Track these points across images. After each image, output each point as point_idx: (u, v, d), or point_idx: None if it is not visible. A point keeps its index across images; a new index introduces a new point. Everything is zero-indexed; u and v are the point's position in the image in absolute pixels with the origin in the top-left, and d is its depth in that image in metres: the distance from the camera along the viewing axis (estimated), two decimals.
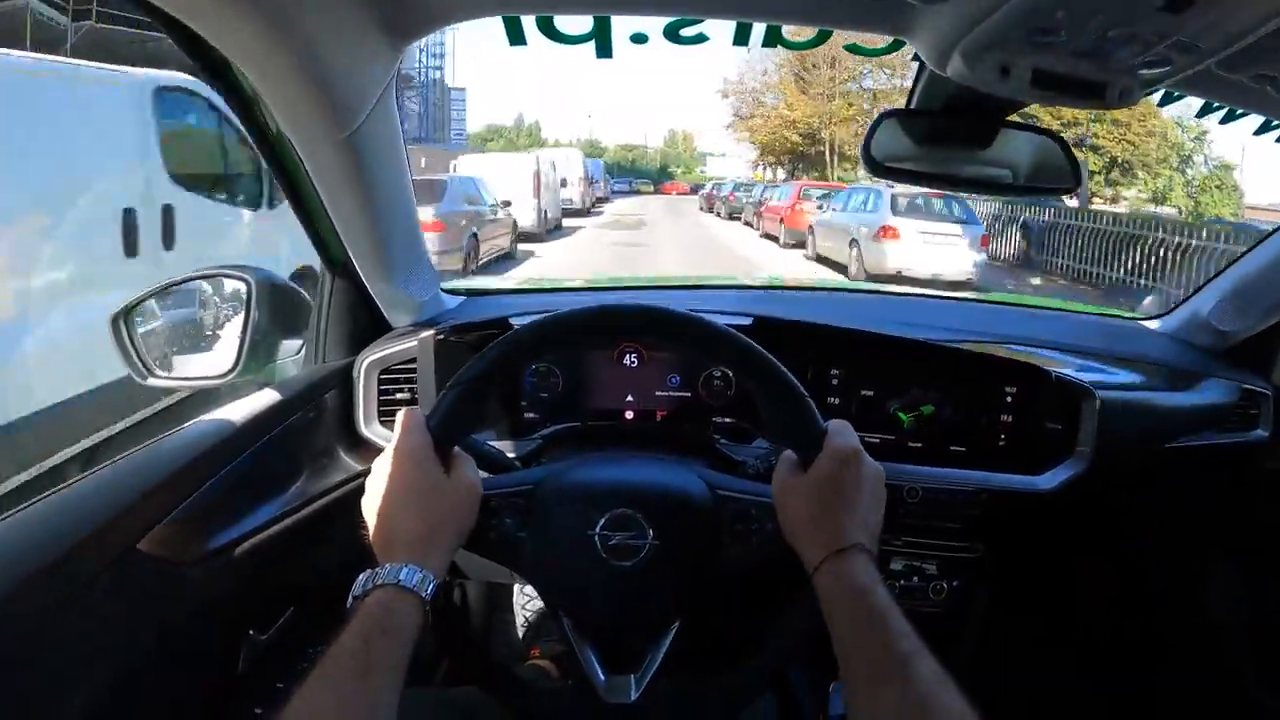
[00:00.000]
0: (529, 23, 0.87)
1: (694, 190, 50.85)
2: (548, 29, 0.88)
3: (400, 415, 0.77)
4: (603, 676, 0.81)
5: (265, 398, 1.09)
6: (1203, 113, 1.02)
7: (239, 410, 1.04)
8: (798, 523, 0.74)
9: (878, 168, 0.94)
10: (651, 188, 58.17)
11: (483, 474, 0.82)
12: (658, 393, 1.23)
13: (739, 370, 0.80)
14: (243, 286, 1.24)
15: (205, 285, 1.36)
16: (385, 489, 0.74)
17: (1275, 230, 1.36)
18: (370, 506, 0.75)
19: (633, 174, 68.32)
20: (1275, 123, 1.03)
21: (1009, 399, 1.23)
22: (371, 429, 1.19)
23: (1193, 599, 1.58)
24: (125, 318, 1.22)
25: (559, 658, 1.40)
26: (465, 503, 0.76)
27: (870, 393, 1.24)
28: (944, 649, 1.27)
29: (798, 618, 0.75)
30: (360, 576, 0.69)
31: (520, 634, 1.64)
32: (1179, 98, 0.99)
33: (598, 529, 0.78)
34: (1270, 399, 1.41)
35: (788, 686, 1.21)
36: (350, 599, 0.68)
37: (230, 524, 0.96)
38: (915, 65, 0.92)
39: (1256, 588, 1.49)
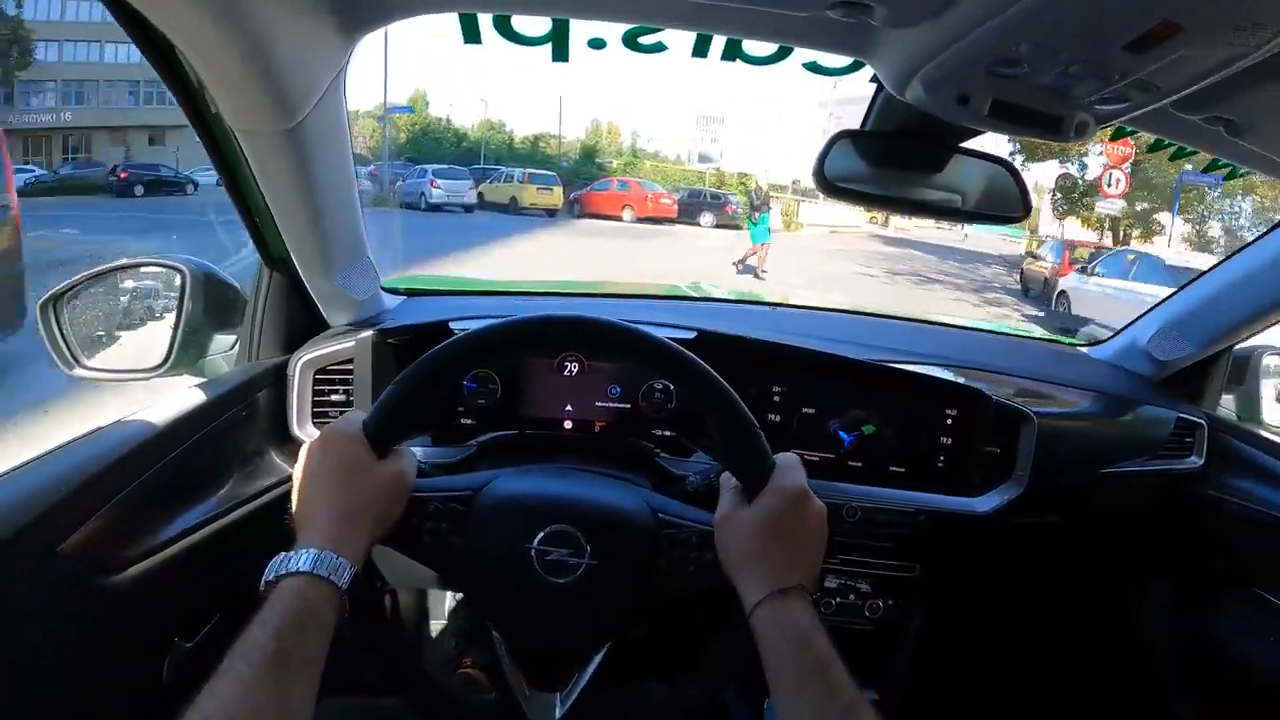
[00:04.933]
0: (485, 22, 0.85)
1: (690, 207, 21.53)
2: (504, 29, 0.86)
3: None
4: (527, 693, 0.80)
5: (196, 395, 1.05)
6: (1153, 148, 1.05)
7: (168, 408, 1.00)
8: (738, 558, 0.73)
9: (830, 188, 0.94)
10: (553, 194, 21.30)
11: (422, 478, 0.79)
12: (598, 403, 1.21)
13: (697, 396, 0.79)
14: (177, 277, 1.20)
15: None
16: (309, 465, 0.72)
17: (1217, 264, 1.40)
18: (296, 485, 0.73)
19: (531, 162, 28.75)
20: (1223, 161, 1.06)
21: (949, 421, 1.24)
22: (305, 430, 1.15)
23: (1126, 621, 1.61)
24: (54, 304, 1.17)
25: (491, 668, 1.38)
26: (390, 490, 0.73)
27: (811, 410, 1.23)
28: (879, 667, 1.28)
29: (731, 649, 0.74)
30: (274, 559, 0.65)
31: (454, 642, 1.61)
32: (1131, 133, 1.01)
33: (535, 543, 0.76)
34: (1205, 428, 1.46)
35: (722, 706, 1.20)
36: (262, 584, 0.64)
37: (157, 527, 0.93)
38: (873, 86, 0.92)
39: (1188, 611, 1.53)
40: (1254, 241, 1.33)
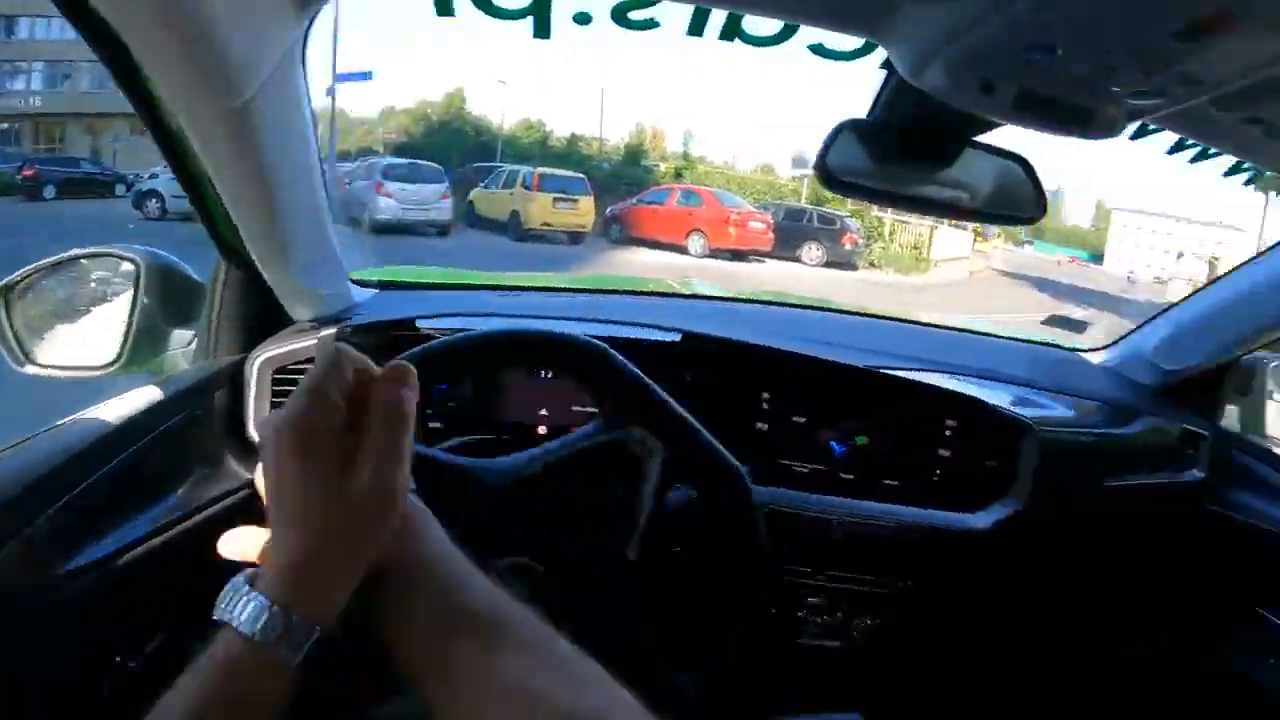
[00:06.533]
0: None
1: (788, 234, 13.84)
2: (480, 1, 0.79)
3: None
4: None
5: (148, 394, 0.98)
6: (1174, 150, 0.99)
7: (117, 407, 0.93)
8: None
9: (833, 182, 0.87)
10: (578, 207, 13.30)
11: None
12: (574, 407, 1.15)
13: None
14: (131, 269, 1.12)
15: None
16: (271, 467, 0.50)
17: (1228, 272, 1.35)
18: (264, 486, 0.52)
19: (566, 164, 17.87)
20: (1245, 165, 1.00)
21: (947, 433, 1.19)
22: None
23: (1128, 638, 1.57)
24: (3, 297, 1.09)
25: None
26: (374, 510, 0.49)
27: (802, 419, 1.18)
28: (865, 686, 1.22)
29: None
30: (227, 586, 0.47)
31: None
32: (1154, 132, 0.94)
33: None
34: (1209, 440, 1.41)
35: None
36: (213, 618, 0.47)
37: (101, 535, 0.86)
38: (882, 72, 0.85)
39: (1190, 628, 1.48)
40: (1270, 250, 1.28)
